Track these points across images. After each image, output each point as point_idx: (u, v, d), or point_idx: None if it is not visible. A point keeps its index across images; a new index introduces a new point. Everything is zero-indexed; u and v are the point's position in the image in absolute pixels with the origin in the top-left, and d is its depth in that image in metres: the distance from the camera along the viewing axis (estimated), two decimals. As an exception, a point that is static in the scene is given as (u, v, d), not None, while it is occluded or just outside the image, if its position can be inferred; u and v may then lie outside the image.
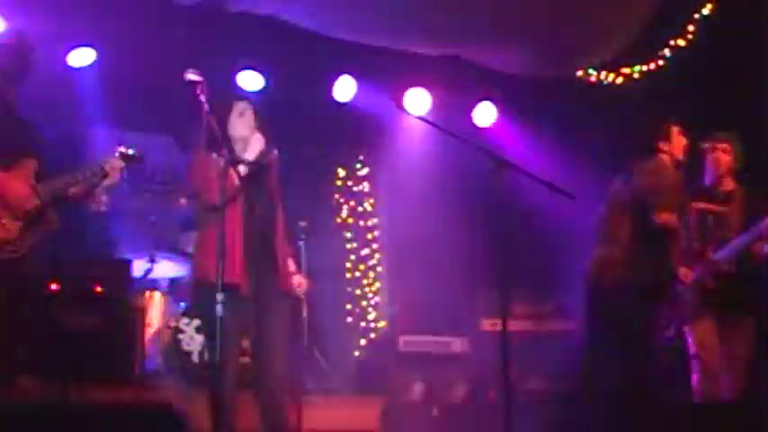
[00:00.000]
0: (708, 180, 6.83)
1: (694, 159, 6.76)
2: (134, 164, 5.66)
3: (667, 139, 6.51)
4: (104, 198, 5.63)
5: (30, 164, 5.31)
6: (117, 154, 5.58)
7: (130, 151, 5.61)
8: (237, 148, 5.48)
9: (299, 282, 5.86)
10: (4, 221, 5.11)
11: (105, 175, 5.48)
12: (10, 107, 5.37)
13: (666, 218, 6.23)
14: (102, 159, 5.55)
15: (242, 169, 5.39)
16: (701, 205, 6.74)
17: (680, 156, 6.54)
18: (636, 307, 6.25)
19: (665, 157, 6.47)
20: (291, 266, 5.79)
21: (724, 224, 6.68)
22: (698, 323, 6.63)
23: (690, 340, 6.64)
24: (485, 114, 9.83)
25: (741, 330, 6.66)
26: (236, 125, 5.53)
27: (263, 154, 5.47)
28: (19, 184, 5.19)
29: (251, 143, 5.49)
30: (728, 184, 6.81)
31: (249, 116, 5.55)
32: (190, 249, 8.35)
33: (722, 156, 6.78)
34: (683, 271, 6.59)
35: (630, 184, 6.46)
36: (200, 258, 5.44)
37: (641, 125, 6.82)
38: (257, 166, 5.46)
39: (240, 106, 5.58)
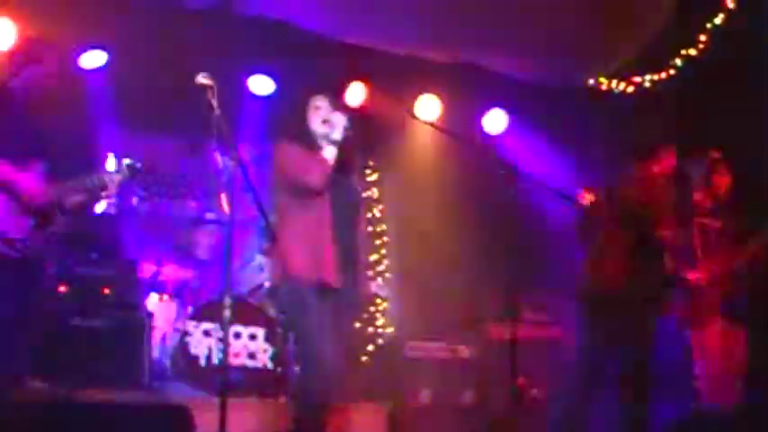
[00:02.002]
0: (707, 197, 6.82)
1: (692, 174, 6.77)
2: (141, 175, 5.69)
3: (657, 156, 6.52)
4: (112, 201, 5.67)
5: (39, 166, 5.33)
6: (124, 167, 5.63)
7: (137, 164, 5.65)
8: (320, 141, 5.50)
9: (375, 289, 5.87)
10: (17, 219, 5.13)
11: (104, 188, 5.51)
12: (27, 112, 5.39)
13: (667, 234, 6.23)
14: (105, 172, 5.62)
15: (332, 153, 5.41)
16: (702, 221, 6.74)
17: (668, 170, 6.55)
18: (634, 317, 6.25)
19: (654, 169, 6.49)
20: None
21: (727, 238, 6.68)
22: (702, 330, 6.63)
23: (694, 346, 6.65)
24: (495, 121, 9.83)
25: (741, 338, 6.66)
26: (312, 120, 5.55)
27: (346, 130, 5.47)
28: (32, 184, 5.21)
29: (334, 124, 5.49)
30: (725, 200, 6.81)
31: (326, 110, 5.57)
32: (198, 252, 8.38)
33: (724, 177, 6.79)
34: (693, 274, 6.60)
35: (616, 195, 6.45)
36: (289, 255, 5.37)
37: (632, 137, 6.83)
38: (345, 143, 5.46)
39: (317, 100, 5.60)
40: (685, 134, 6.80)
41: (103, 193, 5.60)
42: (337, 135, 5.44)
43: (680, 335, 6.72)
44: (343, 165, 5.48)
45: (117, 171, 5.69)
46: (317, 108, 5.58)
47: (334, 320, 5.36)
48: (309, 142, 5.49)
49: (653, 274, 6.31)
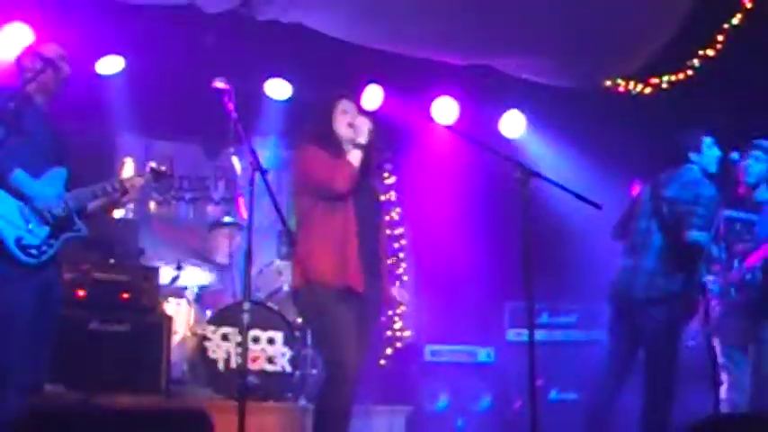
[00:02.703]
0: (740, 187, 6.77)
1: (727, 167, 6.70)
2: (164, 179, 5.69)
3: (699, 150, 6.47)
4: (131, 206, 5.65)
5: (61, 173, 5.33)
6: (148, 170, 5.64)
7: (162, 167, 5.66)
8: (345, 145, 5.49)
9: (398, 295, 5.85)
10: (31, 226, 5.13)
11: (125, 192, 5.51)
12: (45, 119, 5.39)
13: (697, 236, 6.18)
14: (126, 176, 5.62)
15: (357, 157, 5.40)
16: (731, 212, 6.69)
17: (712, 168, 6.49)
18: (665, 318, 6.22)
19: (696, 168, 6.43)
20: None
21: (751, 232, 6.63)
22: (725, 334, 6.58)
23: (717, 351, 6.60)
24: (512, 124, 9.82)
25: (765, 342, 6.60)
26: (339, 124, 5.55)
27: (370, 132, 5.47)
28: (49, 192, 5.21)
29: (359, 127, 5.49)
30: (760, 193, 6.74)
31: (352, 114, 5.57)
32: (216, 257, 8.39)
33: (754, 164, 6.72)
34: (710, 279, 6.56)
35: (660, 192, 6.42)
36: (313, 259, 5.37)
37: (672, 135, 6.77)
38: (369, 146, 5.45)
39: (343, 104, 5.60)
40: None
41: (125, 198, 5.60)
42: (362, 139, 5.43)
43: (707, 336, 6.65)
44: (365, 168, 5.48)
45: (139, 175, 5.69)
46: (344, 112, 5.58)
47: (357, 324, 5.35)
48: (335, 146, 5.49)
49: (685, 276, 6.27)
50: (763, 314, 6.55)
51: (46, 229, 5.20)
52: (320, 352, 5.73)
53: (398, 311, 10.17)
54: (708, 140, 6.51)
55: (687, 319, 6.36)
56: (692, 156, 6.47)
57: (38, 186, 5.18)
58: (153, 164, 5.68)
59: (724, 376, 6.58)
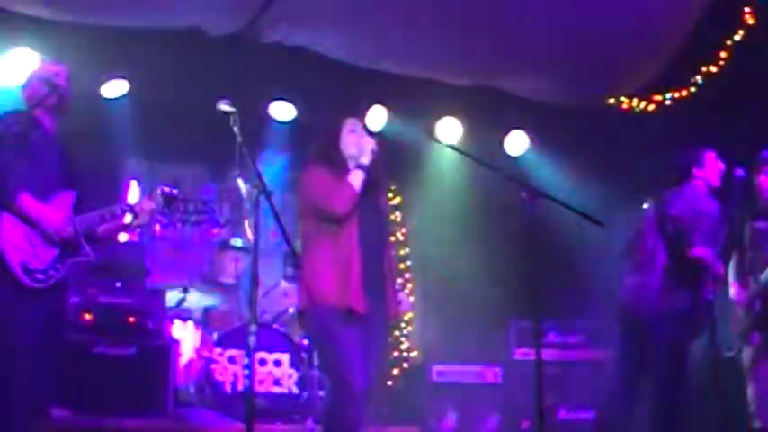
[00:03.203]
0: (763, 199, 6.75)
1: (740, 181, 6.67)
2: (174, 203, 5.68)
3: (702, 165, 6.46)
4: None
5: (69, 196, 5.33)
6: (159, 193, 5.63)
7: (174, 191, 5.64)
8: (351, 164, 5.50)
9: (402, 299, 5.81)
10: (38, 250, 5.13)
11: (135, 216, 5.50)
12: (53, 142, 5.40)
13: (702, 252, 6.17)
14: (133, 200, 5.61)
15: (358, 178, 5.41)
16: (757, 224, 6.67)
17: (715, 182, 6.48)
18: (673, 335, 6.21)
19: (699, 183, 6.43)
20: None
21: None
22: (749, 348, 6.56)
23: (746, 362, 6.58)
24: (516, 143, 9.82)
25: None
26: (347, 142, 5.56)
27: (373, 153, 5.47)
28: (56, 215, 5.20)
29: (363, 147, 5.50)
30: None
31: (359, 133, 5.58)
32: (222, 279, 8.39)
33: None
34: (734, 290, 6.56)
35: (664, 210, 6.41)
36: (316, 281, 5.36)
37: (675, 151, 6.76)
38: (373, 166, 5.45)
39: (350, 123, 5.61)
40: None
41: (135, 223, 5.59)
42: (366, 159, 5.44)
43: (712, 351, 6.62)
44: (370, 188, 5.48)
45: (149, 199, 5.67)
46: (352, 131, 5.59)
47: (363, 346, 5.34)
48: (339, 166, 5.48)
49: (692, 293, 6.24)
50: None
51: (52, 254, 5.20)
52: (327, 373, 5.72)
53: (405, 331, 10.17)
54: (710, 155, 6.50)
55: (694, 335, 6.34)
56: (696, 171, 6.46)
57: (45, 210, 5.18)
58: (166, 188, 5.66)
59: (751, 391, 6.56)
